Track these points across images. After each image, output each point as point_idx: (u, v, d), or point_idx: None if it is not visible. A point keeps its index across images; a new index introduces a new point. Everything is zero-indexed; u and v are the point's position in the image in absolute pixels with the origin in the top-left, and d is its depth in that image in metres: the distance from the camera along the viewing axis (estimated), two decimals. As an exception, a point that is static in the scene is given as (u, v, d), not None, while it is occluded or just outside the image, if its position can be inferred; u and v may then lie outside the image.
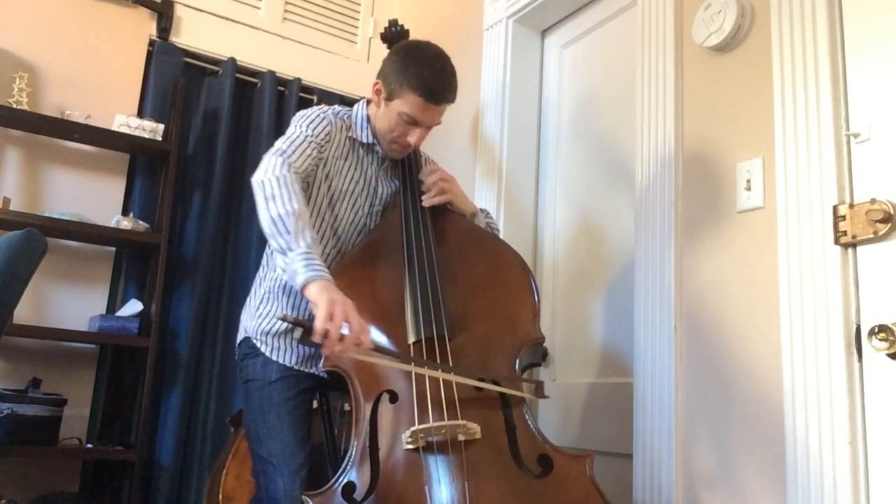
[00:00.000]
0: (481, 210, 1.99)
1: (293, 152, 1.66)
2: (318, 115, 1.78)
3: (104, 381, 2.71)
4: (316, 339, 1.41)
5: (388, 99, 1.79)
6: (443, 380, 1.58)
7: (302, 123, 1.75)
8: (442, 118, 1.83)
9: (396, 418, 1.57)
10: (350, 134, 1.85)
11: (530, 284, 1.77)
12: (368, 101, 1.88)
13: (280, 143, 1.68)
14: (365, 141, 1.86)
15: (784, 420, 1.51)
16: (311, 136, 1.73)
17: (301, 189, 1.60)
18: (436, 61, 1.78)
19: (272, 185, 1.56)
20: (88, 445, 2.57)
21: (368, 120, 1.86)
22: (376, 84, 1.82)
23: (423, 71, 1.74)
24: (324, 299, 1.42)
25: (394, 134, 1.80)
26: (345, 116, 1.85)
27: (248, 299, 1.89)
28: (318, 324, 1.40)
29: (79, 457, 2.64)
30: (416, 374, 1.59)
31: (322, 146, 1.75)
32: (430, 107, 1.76)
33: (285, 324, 1.75)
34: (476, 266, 1.79)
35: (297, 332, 1.43)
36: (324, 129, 1.76)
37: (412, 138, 1.79)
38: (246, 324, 1.84)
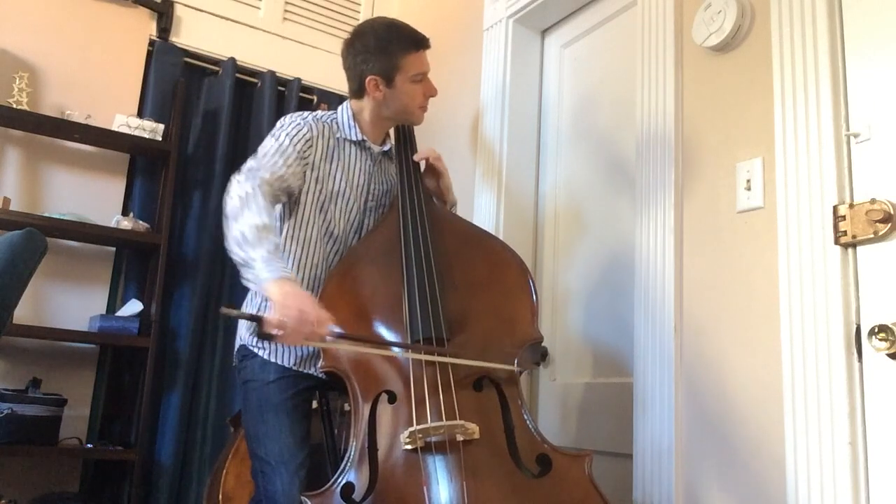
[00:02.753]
0: None
1: (262, 166, 1.70)
2: (296, 123, 1.81)
3: (104, 381, 2.71)
4: (271, 329, 1.42)
5: (389, 81, 1.84)
6: (440, 378, 1.58)
7: (279, 134, 1.78)
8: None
9: (395, 419, 1.57)
10: (338, 135, 1.87)
11: (528, 284, 1.77)
12: (350, 101, 1.92)
13: (249, 161, 1.72)
14: (354, 139, 1.87)
15: (784, 420, 1.50)
16: (288, 143, 1.76)
17: (267, 201, 1.62)
18: (393, 21, 1.90)
19: (234, 203, 1.60)
20: (88, 445, 2.57)
21: (355, 118, 1.88)
22: (370, 81, 1.84)
23: (398, 34, 1.84)
24: (278, 293, 1.44)
25: (416, 100, 1.88)
26: (328, 120, 1.88)
27: (243, 306, 1.89)
28: (272, 316, 1.42)
29: (79, 457, 2.64)
30: (414, 374, 1.59)
31: (304, 151, 1.78)
32: (424, 53, 1.87)
33: None
34: (474, 265, 1.79)
35: (250, 329, 1.44)
36: (303, 135, 1.79)
37: (430, 89, 1.89)
38: (241, 332, 1.84)
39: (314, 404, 1.87)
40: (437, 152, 1.99)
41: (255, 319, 1.44)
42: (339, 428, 2.15)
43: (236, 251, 1.55)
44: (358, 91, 1.88)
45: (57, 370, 2.63)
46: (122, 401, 2.70)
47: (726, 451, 1.64)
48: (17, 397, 2.41)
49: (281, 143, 1.75)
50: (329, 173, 1.83)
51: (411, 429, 1.52)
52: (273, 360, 1.76)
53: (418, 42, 1.85)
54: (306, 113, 1.87)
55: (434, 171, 1.95)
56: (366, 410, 1.58)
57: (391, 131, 2.00)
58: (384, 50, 1.80)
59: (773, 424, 1.54)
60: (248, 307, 1.85)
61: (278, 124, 1.82)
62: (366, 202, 1.90)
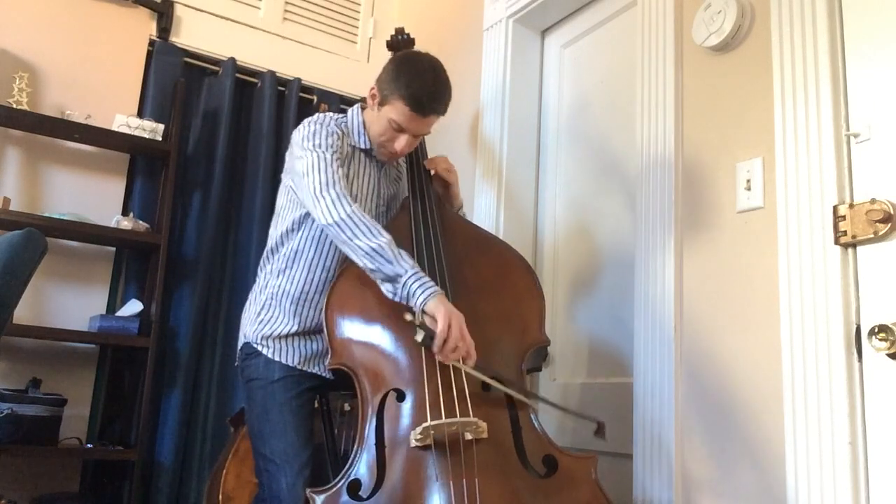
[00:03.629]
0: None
1: (336, 181, 1.69)
2: (326, 130, 1.79)
3: (104, 381, 2.71)
4: (436, 344, 1.55)
5: (381, 104, 1.81)
6: (454, 377, 1.59)
7: (319, 144, 1.75)
8: (432, 129, 1.84)
9: (404, 416, 1.58)
10: (349, 141, 1.87)
11: (536, 288, 1.79)
12: (362, 108, 1.91)
13: (321, 176, 1.69)
14: (363, 147, 1.88)
15: (784, 420, 1.51)
16: (333, 152, 1.75)
17: (371, 216, 1.66)
18: (428, 73, 1.78)
19: (348, 224, 1.62)
20: (88, 445, 2.57)
21: (364, 126, 1.88)
22: (372, 89, 1.84)
23: (413, 81, 1.75)
24: (442, 311, 1.54)
25: (383, 139, 1.83)
26: (342, 124, 1.87)
27: (246, 305, 1.90)
28: (439, 332, 1.53)
29: (79, 457, 2.64)
30: (427, 373, 1.59)
31: (336, 155, 1.78)
32: (416, 117, 1.77)
33: (288, 327, 1.79)
34: (483, 269, 1.81)
35: (420, 336, 1.56)
36: (335, 141, 1.79)
37: (398, 145, 1.81)
38: (245, 329, 1.85)
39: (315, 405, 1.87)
40: (450, 162, 1.99)
41: (426, 330, 1.56)
42: (338, 428, 2.15)
43: (378, 269, 1.59)
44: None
45: (57, 370, 2.63)
46: (122, 401, 2.70)
47: (726, 451, 1.64)
48: (17, 397, 2.40)
49: (326, 152, 1.73)
50: (347, 177, 1.84)
51: (425, 424, 1.52)
52: (277, 358, 1.76)
53: (416, 103, 1.75)
54: (323, 116, 1.85)
55: (443, 178, 1.98)
56: (374, 408, 1.59)
57: None
58: (396, 77, 1.77)
59: (773, 424, 1.55)
60: (254, 304, 1.87)
61: (308, 133, 1.78)
62: (377, 206, 1.92)
